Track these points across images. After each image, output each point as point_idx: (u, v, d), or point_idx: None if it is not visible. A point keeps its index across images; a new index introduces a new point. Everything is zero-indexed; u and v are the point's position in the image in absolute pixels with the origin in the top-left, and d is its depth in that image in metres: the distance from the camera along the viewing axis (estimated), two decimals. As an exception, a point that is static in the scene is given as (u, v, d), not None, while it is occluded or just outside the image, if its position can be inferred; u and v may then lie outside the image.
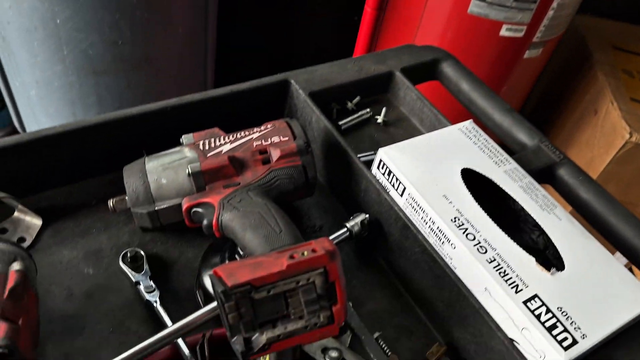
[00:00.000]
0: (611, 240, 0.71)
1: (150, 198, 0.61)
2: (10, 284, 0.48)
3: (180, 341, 0.55)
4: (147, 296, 0.60)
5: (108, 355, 0.51)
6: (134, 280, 0.62)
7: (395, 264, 0.68)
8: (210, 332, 0.56)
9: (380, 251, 0.70)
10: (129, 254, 0.64)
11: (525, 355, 0.53)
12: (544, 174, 0.76)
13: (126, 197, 0.63)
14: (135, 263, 0.63)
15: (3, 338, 0.44)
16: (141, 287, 0.61)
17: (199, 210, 0.60)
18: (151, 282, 0.62)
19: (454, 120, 0.78)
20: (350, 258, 0.71)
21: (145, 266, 0.64)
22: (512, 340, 0.54)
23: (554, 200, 0.66)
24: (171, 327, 0.53)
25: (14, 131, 1.84)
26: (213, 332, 0.56)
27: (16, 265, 0.51)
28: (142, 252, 0.64)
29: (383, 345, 0.62)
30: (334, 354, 0.56)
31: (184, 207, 0.60)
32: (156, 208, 0.61)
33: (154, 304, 0.60)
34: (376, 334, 0.62)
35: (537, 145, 0.79)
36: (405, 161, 0.66)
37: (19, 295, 0.49)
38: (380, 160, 0.67)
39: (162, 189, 0.61)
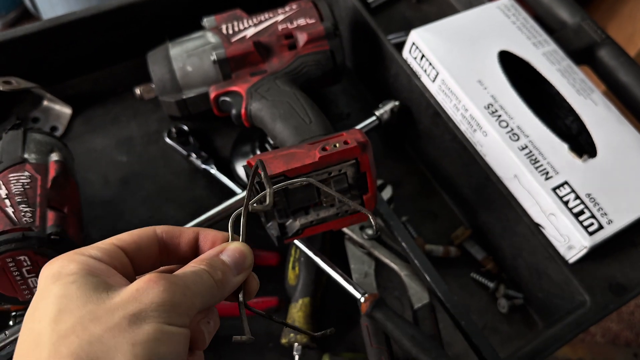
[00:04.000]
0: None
1: (177, 86, 0.60)
2: (51, 174, 0.50)
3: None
4: (203, 165, 0.63)
5: (150, 239, 0.54)
6: (185, 153, 0.64)
7: (424, 151, 0.68)
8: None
9: (409, 139, 0.70)
10: (174, 130, 0.65)
11: (550, 239, 0.55)
12: (583, 55, 0.72)
13: (152, 85, 0.62)
14: (181, 138, 0.65)
15: (52, 225, 0.46)
16: (193, 158, 0.63)
17: (227, 99, 0.59)
18: (203, 152, 0.64)
19: (491, -3, 0.72)
20: (377, 145, 0.71)
21: (192, 139, 0.65)
22: (537, 225, 0.56)
23: (592, 84, 0.63)
24: (208, 213, 0.55)
25: (26, 11, 1.79)
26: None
27: (55, 156, 0.52)
28: (185, 127, 0.66)
29: (410, 229, 0.64)
30: (370, 231, 0.58)
31: (212, 96, 0.60)
32: (184, 97, 0.61)
33: (211, 171, 0.62)
34: (403, 219, 0.64)
35: (578, 24, 0.74)
36: (439, 44, 0.63)
37: (62, 185, 0.51)
38: (413, 43, 0.64)
39: (188, 76, 0.60)
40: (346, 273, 0.57)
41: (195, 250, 0.33)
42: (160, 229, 0.33)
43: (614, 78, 0.71)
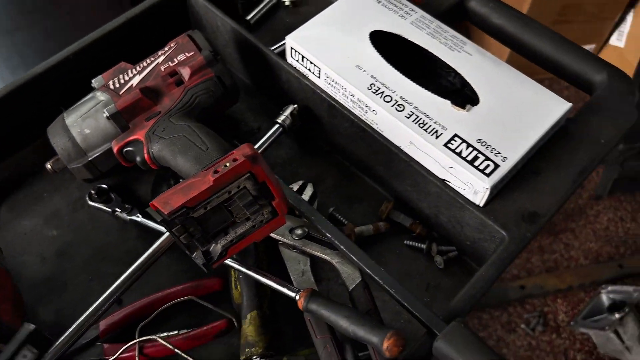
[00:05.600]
0: (529, 56, 0.73)
1: (81, 150, 0.63)
2: (-25, 269, 0.52)
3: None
4: (129, 217, 0.65)
5: (95, 300, 0.56)
6: (110, 210, 0.66)
7: (334, 142, 0.71)
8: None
9: (318, 134, 0.73)
10: (93, 192, 0.67)
11: (457, 189, 0.59)
12: (456, 12, 0.77)
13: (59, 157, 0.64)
14: (102, 197, 0.67)
15: (-15, 317, 0.48)
16: (119, 212, 0.66)
17: (130, 149, 0.62)
18: (126, 205, 0.66)
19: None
20: (293, 149, 0.74)
21: (113, 195, 0.67)
22: (443, 180, 0.59)
23: (464, 37, 0.67)
24: (138, 261, 0.57)
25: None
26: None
27: (-24, 251, 0.54)
28: (104, 185, 0.68)
29: (339, 217, 0.67)
30: (299, 231, 0.61)
31: (115, 149, 0.62)
32: (90, 159, 0.63)
33: (138, 220, 0.65)
34: (331, 209, 0.67)
35: (444, -16, 0.78)
36: (313, 42, 0.66)
37: (-12, 277, 0.52)
38: (291, 48, 0.67)
39: (88, 139, 0.62)
40: (286, 276, 0.60)
41: None
42: None
43: (488, 24, 0.76)
